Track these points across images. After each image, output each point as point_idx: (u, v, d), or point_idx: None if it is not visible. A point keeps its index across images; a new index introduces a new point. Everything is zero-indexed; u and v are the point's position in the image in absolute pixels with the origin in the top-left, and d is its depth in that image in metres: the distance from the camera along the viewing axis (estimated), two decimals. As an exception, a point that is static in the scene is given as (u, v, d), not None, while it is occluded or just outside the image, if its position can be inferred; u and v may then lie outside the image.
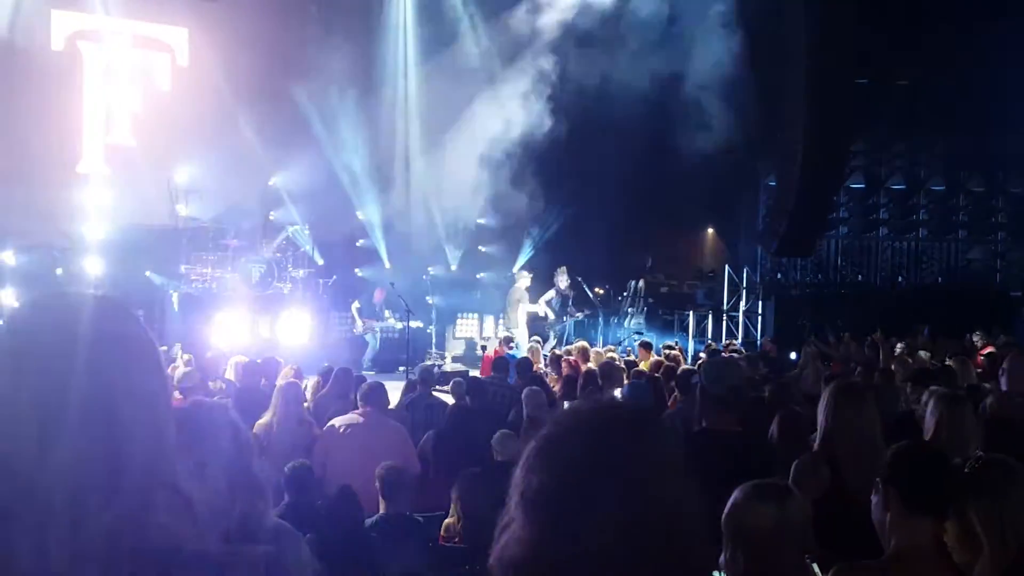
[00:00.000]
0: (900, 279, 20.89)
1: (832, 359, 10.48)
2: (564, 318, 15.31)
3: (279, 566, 2.19)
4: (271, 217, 15.80)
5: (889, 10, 16.50)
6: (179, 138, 15.24)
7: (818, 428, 3.62)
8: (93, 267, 13.91)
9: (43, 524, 1.20)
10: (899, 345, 12.00)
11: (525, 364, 9.18)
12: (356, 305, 14.80)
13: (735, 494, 2.56)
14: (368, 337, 14.72)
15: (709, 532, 1.37)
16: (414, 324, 14.06)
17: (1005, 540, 2.41)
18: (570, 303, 15.44)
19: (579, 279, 15.90)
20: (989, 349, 11.93)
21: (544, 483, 1.29)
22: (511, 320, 14.66)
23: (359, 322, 14.72)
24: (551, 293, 15.17)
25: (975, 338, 13.16)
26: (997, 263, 21.32)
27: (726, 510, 2.55)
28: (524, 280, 14.79)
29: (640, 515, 1.26)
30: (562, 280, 15.19)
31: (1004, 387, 5.72)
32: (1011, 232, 21.05)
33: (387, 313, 14.70)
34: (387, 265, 16.88)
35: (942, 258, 21.16)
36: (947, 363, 8.81)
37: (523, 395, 6.75)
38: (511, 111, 16.20)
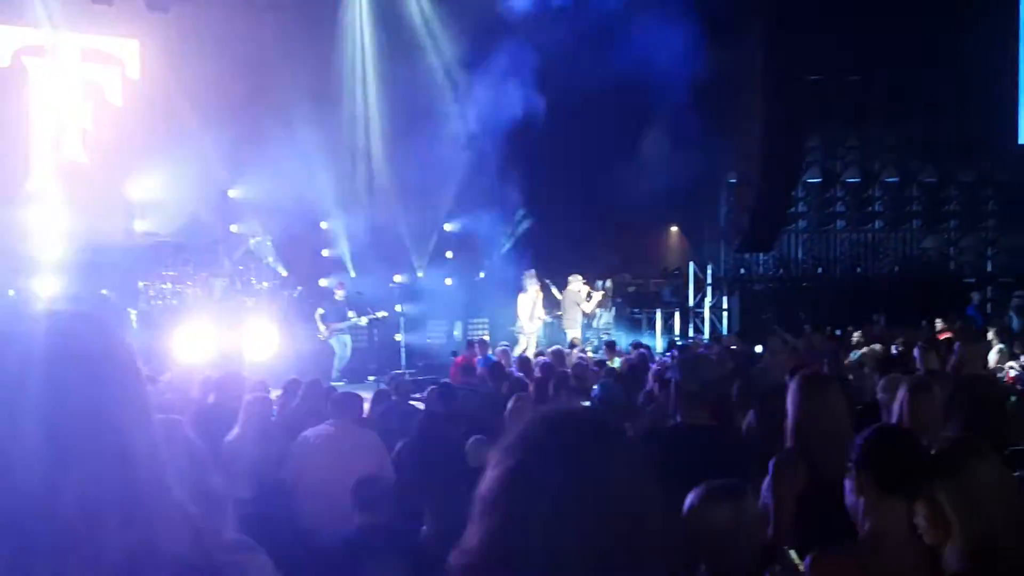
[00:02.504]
0: (858, 270, 21.25)
1: (796, 351, 10.66)
2: (539, 318, 15.38)
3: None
4: (232, 229, 15.65)
5: (838, 7, 16.80)
6: (133, 153, 15.05)
7: (788, 421, 3.70)
8: (47, 287, 13.68)
9: (63, 548, 1.18)
10: (855, 335, 12.24)
11: (496, 368, 9.22)
12: (320, 312, 14.66)
13: (690, 497, 2.63)
14: (334, 343, 14.56)
15: (674, 538, 1.38)
16: (380, 314, 14.01)
17: (974, 520, 2.47)
18: (538, 306, 15.51)
19: (547, 281, 15.98)
20: (947, 335, 12.21)
21: (493, 485, 1.30)
22: (568, 321, 15.05)
23: (323, 328, 14.57)
24: (522, 298, 15.24)
25: (937, 324, 13.44)
26: (950, 251, 21.75)
27: (684, 513, 2.62)
28: (576, 283, 15.41)
29: (589, 515, 1.26)
30: (531, 283, 15.31)
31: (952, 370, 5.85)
32: (962, 220, 21.51)
33: (351, 313, 14.57)
34: (352, 274, 16.80)
35: (898, 248, 21.56)
36: (898, 349, 9.05)
37: (509, 406, 6.69)
38: (470, 115, 16.23)
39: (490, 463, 1.35)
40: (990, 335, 10.99)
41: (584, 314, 15.79)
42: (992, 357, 9.59)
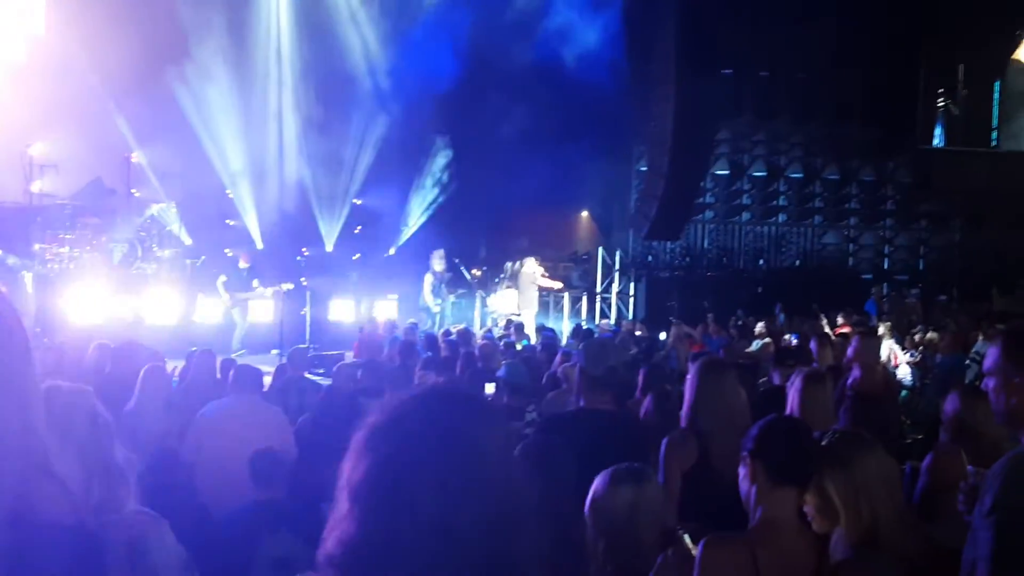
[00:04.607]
0: (761, 262, 21.80)
1: (694, 339, 10.88)
2: (439, 300, 15.32)
3: (144, 546, 2.16)
4: (134, 194, 15.12)
5: (751, 3, 17.17)
6: (34, 110, 14.36)
7: (684, 403, 3.80)
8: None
9: None
10: (759, 325, 12.57)
11: (408, 346, 9.12)
12: (222, 279, 14.19)
13: (596, 482, 2.66)
14: (235, 314, 14.16)
15: (545, 515, 1.38)
16: (285, 286, 13.75)
17: (859, 510, 2.56)
18: (444, 285, 15.47)
19: (456, 261, 15.95)
20: (845, 329, 12.62)
21: (370, 470, 1.27)
22: (524, 301, 15.30)
23: (226, 296, 14.12)
24: (429, 277, 15.16)
25: (839, 318, 13.88)
26: (850, 247, 22.52)
27: (589, 498, 2.65)
28: (531, 264, 15.64)
29: (467, 500, 1.25)
30: (438, 263, 15.23)
31: (849, 364, 6.03)
32: (862, 218, 22.29)
33: (255, 283, 14.19)
34: (259, 245, 16.44)
35: (800, 243, 22.20)
36: (796, 342, 9.34)
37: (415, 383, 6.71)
38: (388, 85, 16.02)
39: (358, 447, 1.31)
40: (881, 330, 11.41)
41: (541, 291, 16.04)
42: (883, 352, 9.95)
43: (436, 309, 15.00)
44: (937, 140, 21.85)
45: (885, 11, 18.61)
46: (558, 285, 17.19)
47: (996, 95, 21.45)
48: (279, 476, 4.98)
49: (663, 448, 3.51)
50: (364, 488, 1.27)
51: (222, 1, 16.03)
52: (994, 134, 21.80)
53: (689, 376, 3.87)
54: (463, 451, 1.28)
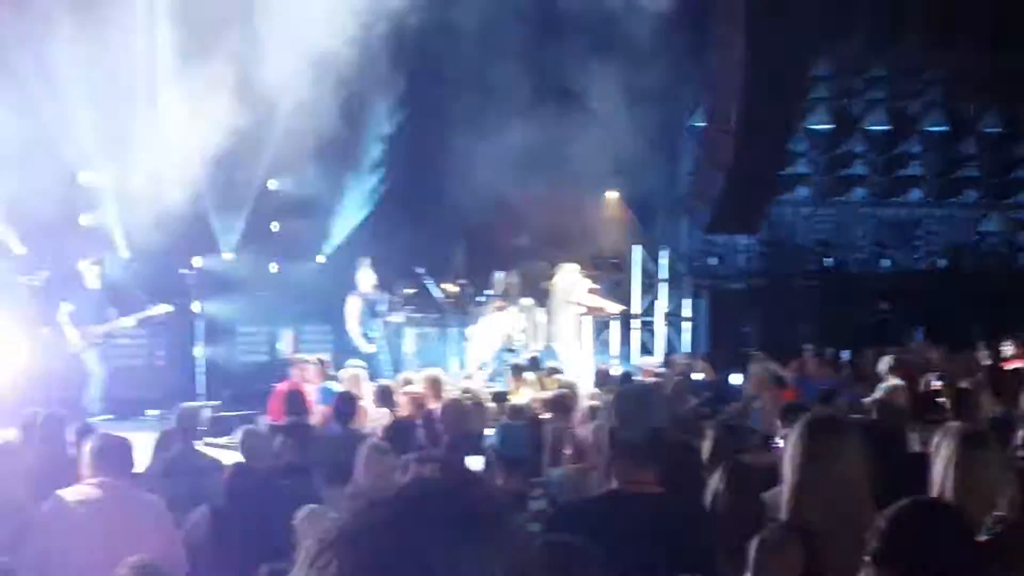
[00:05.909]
0: (886, 262, 21.70)
1: (785, 384, 10.88)
2: (375, 334, 15.27)
3: None
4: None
5: None
6: None
7: (784, 485, 3.78)
8: None
9: None
10: (884, 360, 12.53)
11: (348, 403, 9.16)
12: (68, 308, 14.16)
13: None
14: (89, 357, 14.13)
15: None
16: (159, 309, 13.71)
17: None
18: (377, 310, 15.38)
19: (421, 271, 15.94)
20: (1018, 363, 12.58)
21: None
22: (556, 332, 15.77)
23: (73, 333, 14.09)
24: (354, 301, 15.08)
25: (1004, 347, 13.84)
26: (1022, 238, 22.43)
27: None
28: (569, 272, 15.99)
29: None
30: (365, 279, 15.18)
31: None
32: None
33: (111, 311, 14.17)
34: (124, 253, 16.42)
35: (945, 231, 22.06)
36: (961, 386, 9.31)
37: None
38: (308, 20, 16.05)
39: (306, 564, 1.32)
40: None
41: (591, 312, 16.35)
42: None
43: (369, 348, 14.95)
44: None
45: None
46: (615, 308, 17.25)
47: None
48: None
49: (753, 553, 3.50)
50: None
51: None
52: None
53: (788, 442, 3.85)
54: None
